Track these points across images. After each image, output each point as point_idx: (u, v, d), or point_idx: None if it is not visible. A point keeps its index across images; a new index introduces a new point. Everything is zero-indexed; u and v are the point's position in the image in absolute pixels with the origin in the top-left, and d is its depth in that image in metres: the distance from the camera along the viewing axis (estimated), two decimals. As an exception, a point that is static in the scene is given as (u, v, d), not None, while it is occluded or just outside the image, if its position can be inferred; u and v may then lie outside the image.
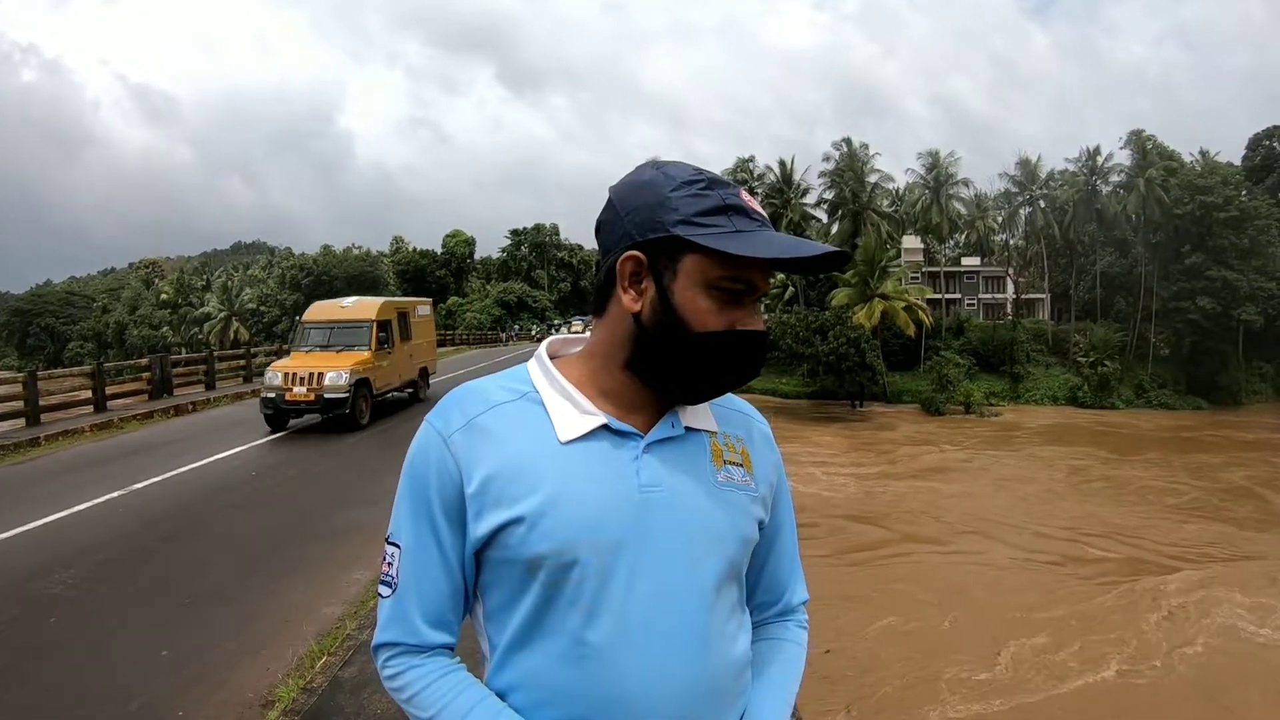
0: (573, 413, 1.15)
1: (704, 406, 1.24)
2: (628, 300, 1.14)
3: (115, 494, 9.05)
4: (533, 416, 1.16)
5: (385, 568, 1.19)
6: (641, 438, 1.15)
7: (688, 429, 1.20)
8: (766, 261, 1.09)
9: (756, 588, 1.34)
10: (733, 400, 1.32)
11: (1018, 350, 52.09)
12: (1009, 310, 61.07)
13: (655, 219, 1.10)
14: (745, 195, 1.14)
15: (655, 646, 1.09)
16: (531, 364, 1.23)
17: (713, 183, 1.13)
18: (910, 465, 32.26)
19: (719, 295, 1.10)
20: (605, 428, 1.15)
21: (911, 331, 46.87)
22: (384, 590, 1.18)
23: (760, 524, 1.24)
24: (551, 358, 1.23)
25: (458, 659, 1.18)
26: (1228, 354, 51.36)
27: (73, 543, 7.30)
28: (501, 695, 1.13)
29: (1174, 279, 51.52)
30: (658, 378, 1.15)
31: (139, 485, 9.51)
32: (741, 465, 1.23)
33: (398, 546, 1.17)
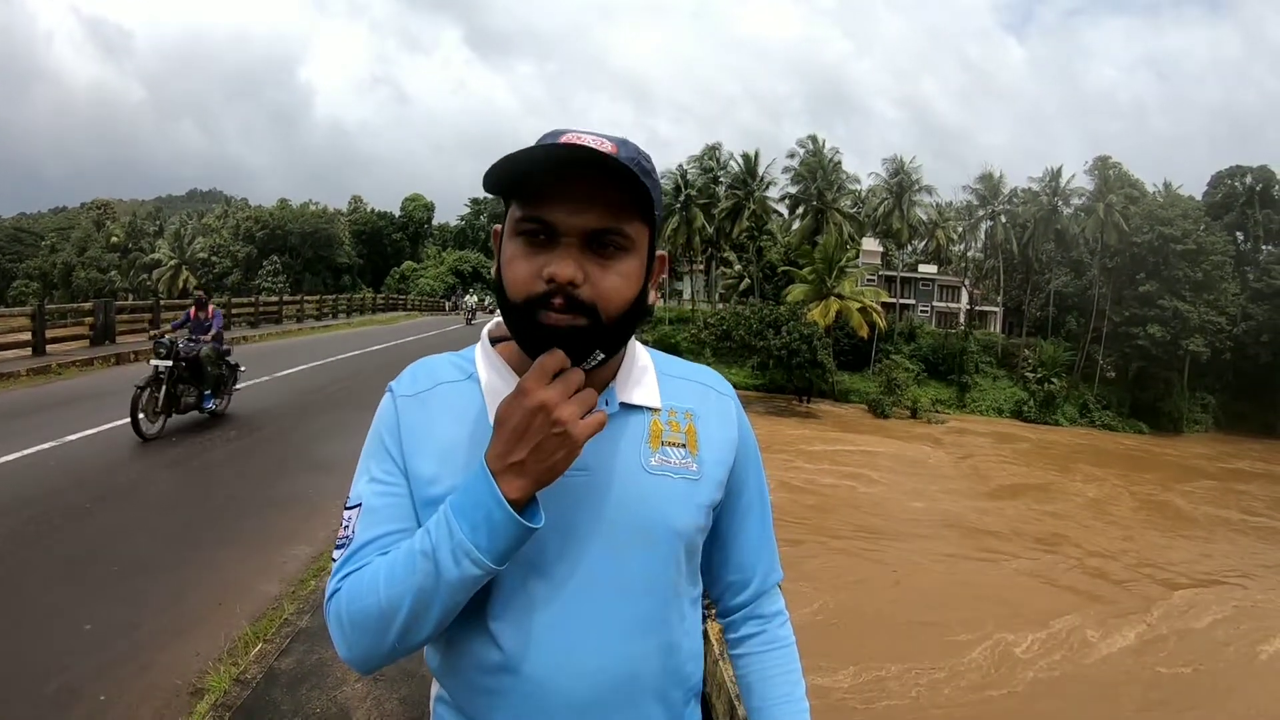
0: (505, 394, 1.03)
1: (650, 379, 1.17)
2: (494, 271, 1.10)
3: (46, 445, 8.61)
4: (470, 398, 1.13)
5: (341, 533, 1.12)
6: None
7: (624, 405, 1.13)
8: (550, 191, 0.99)
9: (724, 569, 1.28)
10: (693, 369, 1.25)
11: (967, 360, 52.96)
12: (962, 320, 61.92)
13: None
14: (574, 131, 1.03)
15: (567, 639, 1.06)
16: (477, 345, 1.20)
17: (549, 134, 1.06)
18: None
19: (525, 240, 1.02)
20: None
21: (864, 333, 47.48)
22: (337, 553, 1.10)
23: (714, 507, 1.17)
24: (495, 340, 1.18)
25: None
26: (1172, 381, 52.76)
27: (-4, 497, 6.91)
28: (440, 682, 1.15)
29: (1127, 304, 52.67)
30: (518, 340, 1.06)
31: (72, 438, 9.05)
32: (684, 445, 1.14)
33: (357, 507, 1.11)
